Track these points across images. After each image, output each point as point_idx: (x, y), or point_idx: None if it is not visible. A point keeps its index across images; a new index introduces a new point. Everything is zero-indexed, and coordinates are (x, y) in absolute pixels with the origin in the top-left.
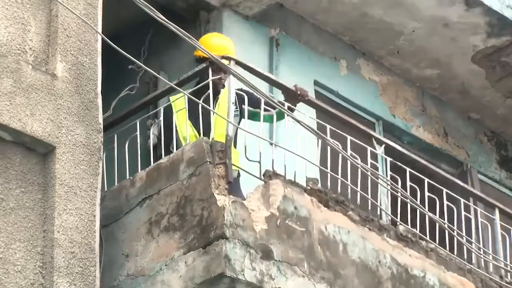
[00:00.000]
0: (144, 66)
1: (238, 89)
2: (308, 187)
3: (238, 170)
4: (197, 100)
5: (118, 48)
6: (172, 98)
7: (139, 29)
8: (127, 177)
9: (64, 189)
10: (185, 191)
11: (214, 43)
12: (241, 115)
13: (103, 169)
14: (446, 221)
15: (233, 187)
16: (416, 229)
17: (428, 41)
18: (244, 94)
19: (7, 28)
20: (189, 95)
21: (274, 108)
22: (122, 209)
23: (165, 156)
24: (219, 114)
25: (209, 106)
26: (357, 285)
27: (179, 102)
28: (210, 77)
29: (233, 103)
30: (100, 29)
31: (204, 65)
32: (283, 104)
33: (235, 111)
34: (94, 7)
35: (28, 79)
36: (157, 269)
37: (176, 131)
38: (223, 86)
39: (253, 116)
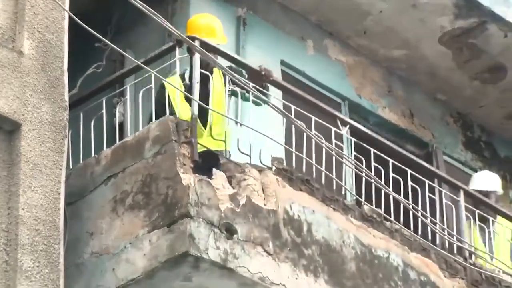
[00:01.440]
0: (111, 44)
1: (228, 67)
2: (274, 166)
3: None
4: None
5: (85, 26)
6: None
7: (106, 7)
8: (93, 155)
9: (29, 166)
10: (150, 169)
11: (202, 24)
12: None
13: (68, 147)
14: (410, 202)
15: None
16: (381, 210)
17: (395, 21)
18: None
19: None
20: (156, 74)
21: (241, 87)
22: (87, 187)
23: (131, 135)
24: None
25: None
26: (321, 265)
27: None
28: (177, 56)
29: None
30: (67, 7)
31: (171, 43)
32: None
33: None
34: None
35: None
36: (121, 247)
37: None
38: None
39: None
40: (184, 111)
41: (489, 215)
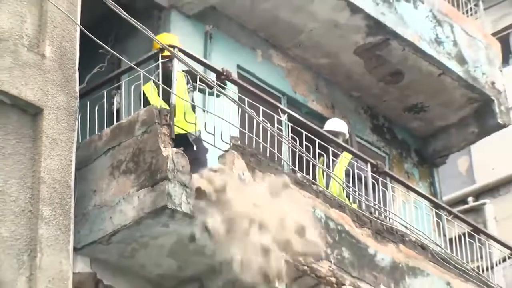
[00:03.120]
0: (111, 50)
1: (185, 71)
2: (231, 143)
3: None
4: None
5: (92, 36)
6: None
7: (108, 22)
8: (96, 133)
9: (48, 140)
10: (139, 144)
11: (165, 40)
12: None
13: (78, 126)
14: (331, 171)
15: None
16: (310, 176)
17: (322, 37)
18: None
19: (9, 19)
20: (144, 73)
21: (208, 85)
22: (91, 157)
23: (125, 118)
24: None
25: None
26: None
27: (147, 87)
28: (160, 60)
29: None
30: (79, 22)
31: (156, 51)
32: (216, 82)
33: (188, 88)
34: (75, 5)
35: (24, 58)
36: (116, 201)
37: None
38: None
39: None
40: (156, 103)
41: (338, 151)
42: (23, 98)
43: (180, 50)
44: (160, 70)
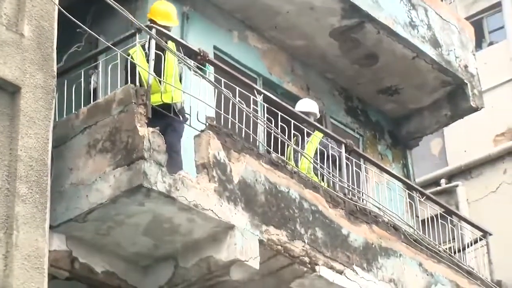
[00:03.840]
0: (89, 30)
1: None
2: (207, 123)
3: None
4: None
5: (70, 16)
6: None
7: (86, 2)
8: (73, 112)
9: (26, 118)
10: (116, 123)
11: (161, 9)
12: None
13: (55, 105)
14: (305, 152)
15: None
16: (284, 157)
17: (298, 20)
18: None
19: None
20: (121, 53)
21: (186, 65)
22: (68, 135)
23: (102, 97)
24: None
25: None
26: (240, 197)
27: (134, 51)
28: (137, 40)
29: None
30: (57, 1)
31: (133, 31)
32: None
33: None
34: None
35: (2, 36)
36: (93, 180)
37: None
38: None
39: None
40: (144, 74)
41: (309, 130)
42: (1, 77)
43: (158, 31)
44: (150, 49)
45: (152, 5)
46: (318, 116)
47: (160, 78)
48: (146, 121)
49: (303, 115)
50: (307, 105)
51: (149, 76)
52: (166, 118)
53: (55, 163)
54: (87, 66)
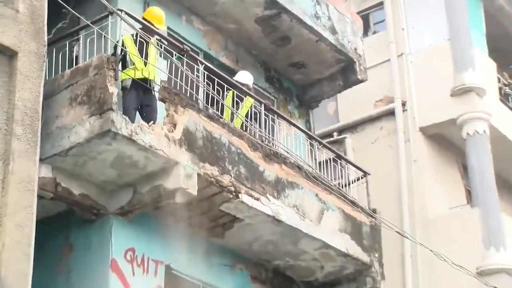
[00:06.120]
0: (72, 11)
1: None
2: (161, 85)
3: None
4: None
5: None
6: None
7: None
8: (60, 73)
9: (22, 76)
10: (92, 83)
11: (156, 13)
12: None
13: (46, 67)
14: (234, 108)
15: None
16: (219, 112)
17: (232, 8)
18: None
19: None
20: (98, 30)
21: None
22: (55, 91)
23: (82, 63)
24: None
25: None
26: (184, 140)
27: (127, 37)
28: (109, 20)
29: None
30: None
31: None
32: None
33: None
34: None
35: (1, 11)
36: (74, 125)
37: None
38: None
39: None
40: (138, 62)
41: (242, 95)
42: (2, 43)
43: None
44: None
45: None
46: (251, 86)
47: (143, 58)
48: (115, 82)
49: (239, 85)
50: (244, 77)
51: (117, 49)
52: (147, 95)
53: (45, 112)
54: (71, 38)
